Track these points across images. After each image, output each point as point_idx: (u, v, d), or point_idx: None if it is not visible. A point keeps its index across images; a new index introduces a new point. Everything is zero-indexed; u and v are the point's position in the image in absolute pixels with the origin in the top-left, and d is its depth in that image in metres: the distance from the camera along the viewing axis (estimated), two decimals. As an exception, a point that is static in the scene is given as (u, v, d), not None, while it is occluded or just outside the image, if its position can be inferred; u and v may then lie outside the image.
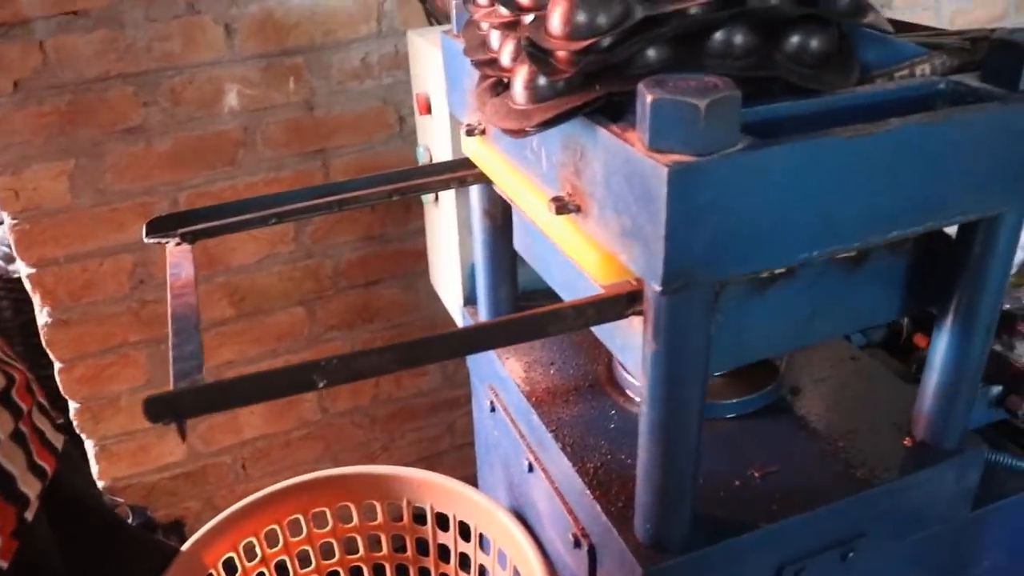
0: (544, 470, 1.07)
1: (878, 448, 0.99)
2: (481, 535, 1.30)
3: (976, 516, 1.02)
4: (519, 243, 1.14)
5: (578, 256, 0.82)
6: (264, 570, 1.35)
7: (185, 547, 1.24)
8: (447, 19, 1.60)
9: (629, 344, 0.83)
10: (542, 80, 0.75)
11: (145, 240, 0.98)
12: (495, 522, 1.25)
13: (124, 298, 1.60)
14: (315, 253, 1.71)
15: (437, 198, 1.40)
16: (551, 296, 1.29)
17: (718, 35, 0.74)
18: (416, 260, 1.79)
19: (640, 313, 0.78)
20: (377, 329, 1.86)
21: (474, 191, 1.16)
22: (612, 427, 1.05)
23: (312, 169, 1.63)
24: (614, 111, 0.73)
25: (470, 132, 1.02)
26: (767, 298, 0.81)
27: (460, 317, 1.37)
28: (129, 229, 1.54)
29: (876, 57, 0.83)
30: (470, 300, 1.33)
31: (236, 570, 1.30)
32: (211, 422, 1.79)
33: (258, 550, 1.32)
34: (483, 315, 1.26)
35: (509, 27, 0.82)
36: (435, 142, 1.31)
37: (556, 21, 0.72)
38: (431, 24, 1.57)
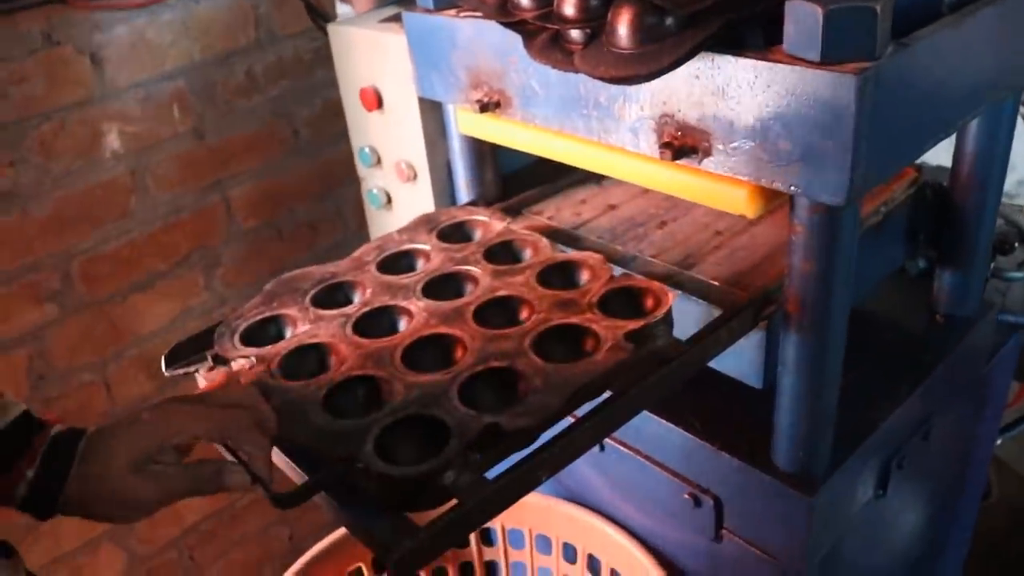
0: (623, 444, 1.03)
1: (921, 330, 1.05)
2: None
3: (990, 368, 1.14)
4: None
5: (709, 197, 0.78)
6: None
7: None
8: (331, 14, 1.47)
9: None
10: (650, 19, 0.71)
11: (166, 374, 0.81)
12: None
13: (25, 401, 1.31)
14: (229, 298, 1.52)
15: (390, 200, 1.29)
16: (536, 176, 1.14)
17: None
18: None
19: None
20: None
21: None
22: (680, 378, 1.03)
23: (212, 204, 1.44)
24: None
25: (484, 108, 0.95)
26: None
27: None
28: (17, 317, 1.27)
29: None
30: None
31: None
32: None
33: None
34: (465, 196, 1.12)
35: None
36: (389, 139, 1.19)
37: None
38: (316, 24, 1.44)
